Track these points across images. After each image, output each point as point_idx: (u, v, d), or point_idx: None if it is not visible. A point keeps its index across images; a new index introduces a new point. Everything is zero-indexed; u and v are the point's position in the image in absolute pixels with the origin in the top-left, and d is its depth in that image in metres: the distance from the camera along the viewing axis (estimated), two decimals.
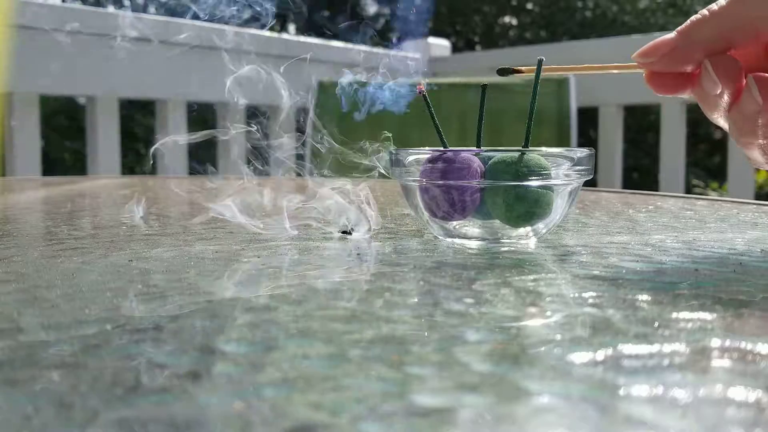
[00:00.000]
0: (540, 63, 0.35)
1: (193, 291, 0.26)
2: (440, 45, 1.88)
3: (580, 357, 0.18)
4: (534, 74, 0.35)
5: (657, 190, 1.30)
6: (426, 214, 0.36)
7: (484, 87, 0.37)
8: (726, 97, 0.32)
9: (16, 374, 0.17)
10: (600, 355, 0.18)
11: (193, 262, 0.31)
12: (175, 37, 1.38)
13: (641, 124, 3.40)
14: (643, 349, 0.19)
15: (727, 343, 0.19)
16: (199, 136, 0.39)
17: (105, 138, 1.35)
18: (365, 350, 0.19)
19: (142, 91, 1.43)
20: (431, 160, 0.35)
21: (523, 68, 0.36)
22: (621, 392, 0.16)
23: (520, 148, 0.35)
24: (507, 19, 4.84)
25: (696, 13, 0.33)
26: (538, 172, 0.33)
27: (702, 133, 3.89)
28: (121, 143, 1.39)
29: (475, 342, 0.19)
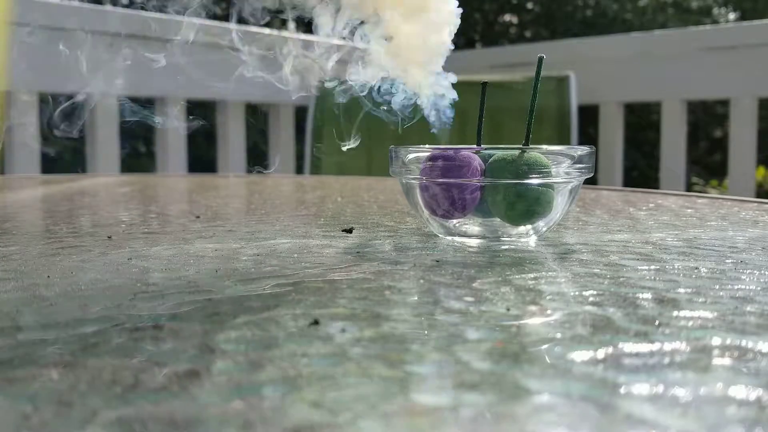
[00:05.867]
0: (540, 60, 0.35)
1: (192, 289, 0.26)
2: None
3: (580, 355, 0.18)
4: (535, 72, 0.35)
5: (657, 188, 1.30)
6: (426, 212, 0.36)
7: (484, 84, 0.37)
8: None
9: (15, 373, 0.17)
10: (600, 353, 0.18)
11: (192, 260, 0.31)
12: (173, 35, 1.38)
13: (642, 122, 3.39)
14: (643, 347, 0.19)
15: (728, 341, 0.19)
16: None
17: (104, 136, 1.35)
18: (365, 349, 0.18)
19: (141, 89, 1.43)
20: (431, 158, 0.34)
21: None
22: (621, 391, 0.16)
23: (521, 145, 0.34)
24: (507, 17, 4.84)
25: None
26: (539, 170, 0.33)
27: (702, 131, 3.88)
28: (120, 141, 1.39)
29: (475, 340, 0.19)
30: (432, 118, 0.37)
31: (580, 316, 0.22)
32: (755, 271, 0.29)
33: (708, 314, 0.22)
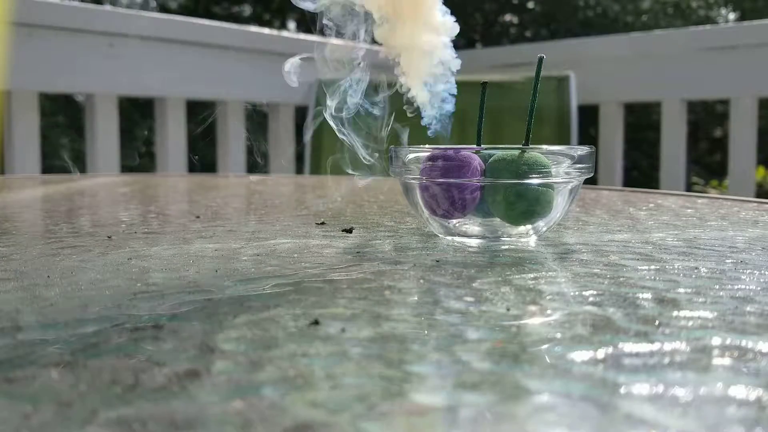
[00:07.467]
0: (540, 60, 0.35)
1: (192, 289, 0.26)
2: None
3: (580, 355, 0.18)
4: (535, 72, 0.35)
5: (657, 188, 1.30)
6: (426, 212, 0.36)
7: (484, 85, 0.37)
8: None
9: (15, 373, 0.17)
10: (600, 353, 0.18)
11: (192, 260, 0.31)
12: (175, 35, 1.38)
13: (642, 122, 3.39)
14: (643, 347, 0.19)
15: (728, 341, 0.19)
16: None
17: (104, 136, 1.35)
18: (365, 349, 0.18)
19: (142, 89, 1.43)
20: (431, 158, 0.34)
21: None
22: (621, 391, 0.16)
23: (521, 145, 0.34)
24: (508, 17, 4.84)
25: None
26: (539, 169, 0.33)
27: (702, 131, 3.88)
28: (120, 141, 1.39)
29: (475, 340, 0.19)
30: (431, 123, 0.37)
31: (580, 316, 0.22)
32: (755, 271, 0.29)
33: (708, 314, 0.22)
